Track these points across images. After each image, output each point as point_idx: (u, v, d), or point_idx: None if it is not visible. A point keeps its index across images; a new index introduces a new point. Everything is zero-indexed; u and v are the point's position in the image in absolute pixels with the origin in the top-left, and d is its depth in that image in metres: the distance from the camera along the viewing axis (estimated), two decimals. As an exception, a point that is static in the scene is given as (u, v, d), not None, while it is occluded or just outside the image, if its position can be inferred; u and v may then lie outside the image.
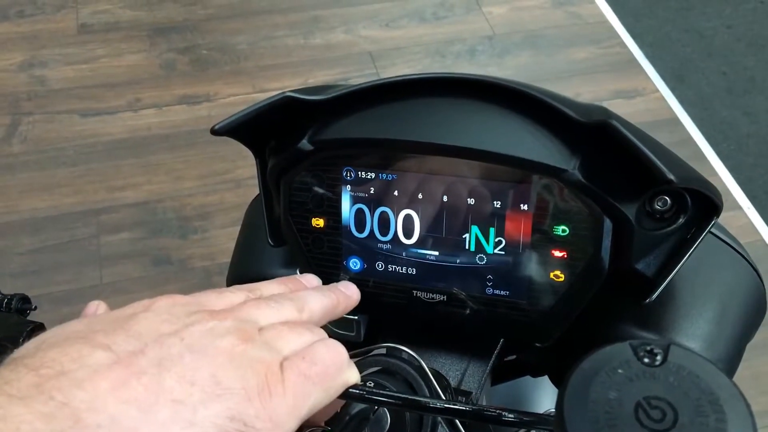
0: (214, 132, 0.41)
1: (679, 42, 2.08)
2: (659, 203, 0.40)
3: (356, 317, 0.51)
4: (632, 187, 0.40)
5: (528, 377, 0.65)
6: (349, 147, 0.44)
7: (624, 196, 0.40)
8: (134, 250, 1.52)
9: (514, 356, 0.58)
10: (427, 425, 0.40)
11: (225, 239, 1.55)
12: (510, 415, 0.33)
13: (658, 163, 0.35)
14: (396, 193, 0.45)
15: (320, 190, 0.46)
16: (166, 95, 1.82)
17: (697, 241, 0.40)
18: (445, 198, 0.44)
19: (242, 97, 1.83)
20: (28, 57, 1.89)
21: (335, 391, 0.32)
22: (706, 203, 0.40)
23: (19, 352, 0.27)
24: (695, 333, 0.45)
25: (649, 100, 1.88)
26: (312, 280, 0.41)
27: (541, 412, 0.35)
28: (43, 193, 1.60)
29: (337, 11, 2.05)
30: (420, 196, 0.44)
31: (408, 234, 0.46)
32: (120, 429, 0.25)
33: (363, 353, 0.46)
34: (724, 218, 0.41)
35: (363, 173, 0.45)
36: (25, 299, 0.45)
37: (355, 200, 0.46)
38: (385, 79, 0.43)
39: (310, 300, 0.36)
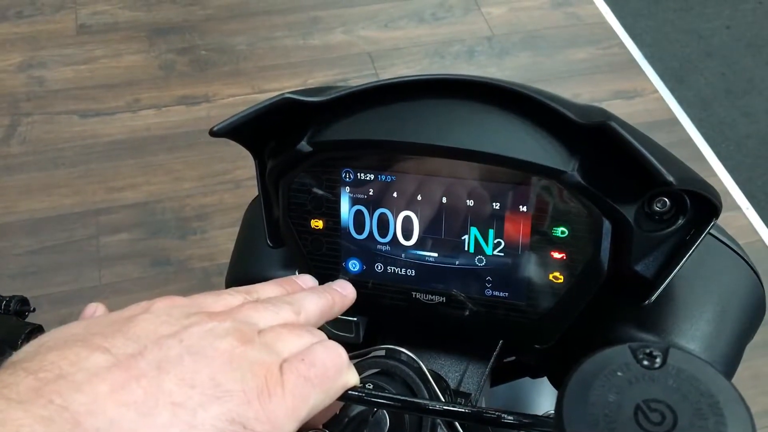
0: (213, 133, 0.41)
1: (678, 43, 2.08)
2: (658, 205, 0.40)
3: (355, 319, 0.51)
4: (631, 189, 0.40)
5: (527, 379, 0.65)
6: (348, 148, 0.44)
7: (623, 198, 0.40)
8: (133, 250, 1.52)
9: (513, 358, 0.58)
10: (427, 427, 0.40)
11: (224, 240, 1.55)
12: (509, 417, 0.33)
13: (657, 164, 0.35)
14: (395, 194, 0.45)
15: (319, 192, 0.46)
16: (165, 96, 1.82)
17: (696, 242, 0.40)
18: (444, 199, 0.44)
19: (241, 97, 1.82)
20: (27, 58, 1.89)
21: (335, 392, 0.32)
22: (705, 205, 0.40)
23: (17, 356, 0.27)
24: (694, 334, 0.45)
25: (648, 100, 1.88)
26: (308, 280, 0.41)
27: (541, 414, 0.35)
28: (42, 193, 1.60)
29: (336, 12, 2.05)
30: (419, 197, 0.44)
31: (407, 235, 0.46)
32: (119, 432, 0.24)
33: (362, 355, 0.46)
34: (723, 219, 0.40)
35: (362, 175, 0.45)
36: (23, 301, 0.45)
37: (354, 202, 0.46)
38: (384, 80, 0.43)
39: (306, 302, 0.36)
